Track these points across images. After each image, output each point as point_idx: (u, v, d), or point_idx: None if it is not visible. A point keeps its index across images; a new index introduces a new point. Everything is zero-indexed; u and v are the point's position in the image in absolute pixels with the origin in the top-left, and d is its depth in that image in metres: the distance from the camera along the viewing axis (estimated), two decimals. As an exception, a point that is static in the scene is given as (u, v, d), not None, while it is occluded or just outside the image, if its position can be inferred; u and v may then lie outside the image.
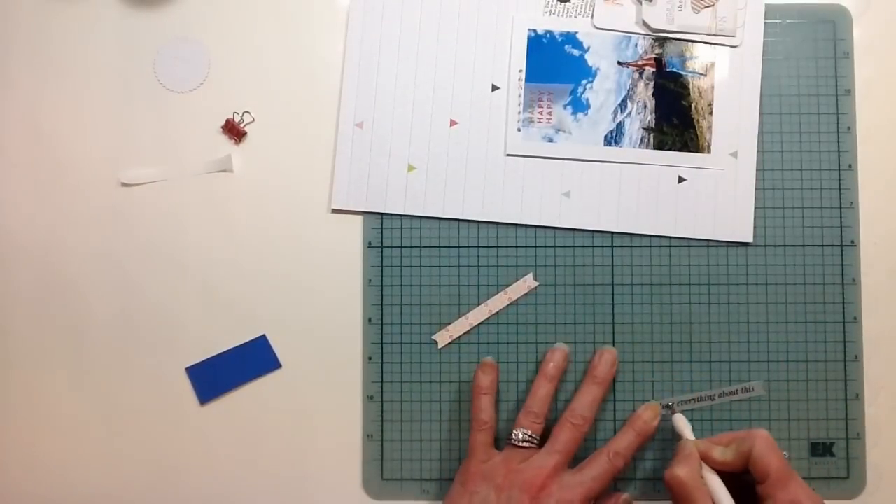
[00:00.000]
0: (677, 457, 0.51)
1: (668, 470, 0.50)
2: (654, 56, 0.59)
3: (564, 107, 0.59)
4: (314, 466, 0.58)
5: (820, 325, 0.57)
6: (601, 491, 0.52)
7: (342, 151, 0.59)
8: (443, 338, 0.58)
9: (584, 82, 0.59)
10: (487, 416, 0.54)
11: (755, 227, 0.58)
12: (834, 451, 0.57)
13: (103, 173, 0.60)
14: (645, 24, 0.58)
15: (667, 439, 0.57)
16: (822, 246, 0.58)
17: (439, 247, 0.59)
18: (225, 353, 0.59)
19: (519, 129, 0.59)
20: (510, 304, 0.58)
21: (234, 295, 0.59)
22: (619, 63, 0.59)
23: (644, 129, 0.58)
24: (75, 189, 0.60)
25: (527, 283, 0.58)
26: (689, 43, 0.59)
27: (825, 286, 0.58)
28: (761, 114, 0.58)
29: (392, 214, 0.59)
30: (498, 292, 0.58)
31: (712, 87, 0.58)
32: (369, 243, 0.59)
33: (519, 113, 0.59)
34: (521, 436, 0.53)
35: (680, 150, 0.58)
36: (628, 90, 0.59)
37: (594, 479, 0.51)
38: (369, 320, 0.58)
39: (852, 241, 0.58)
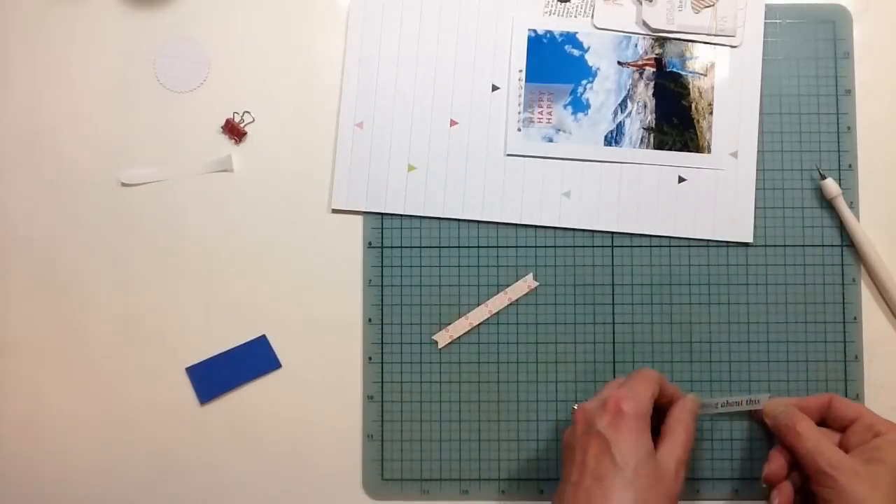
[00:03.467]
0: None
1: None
2: (654, 56, 0.59)
3: (564, 107, 0.59)
4: (314, 466, 0.58)
5: (820, 325, 0.57)
6: None
7: (342, 151, 0.59)
8: (443, 338, 0.58)
9: (584, 82, 0.59)
10: None
11: (755, 227, 0.58)
12: (834, 451, 0.57)
13: (103, 173, 0.60)
14: (645, 24, 0.58)
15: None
16: (822, 246, 0.58)
17: (439, 247, 0.59)
18: (225, 353, 0.58)
19: (519, 129, 0.59)
20: (510, 304, 0.58)
21: (234, 295, 0.59)
22: (619, 63, 0.59)
23: (644, 129, 0.58)
24: (75, 189, 0.60)
25: (527, 283, 0.58)
26: (689, 43, 0.59)
27: (825, 286, 0.58)
28: (761, 114, 0.58)
29: (392, 214, 0.59)
30: (498, 292, 0.58)
31: (712, 87, 0.58)
32: (369, 243, 0.59)
33: (519, 113, 0.59)
34: None
35: (680, 150, 0.58)
36: (628, 90, 0.59)
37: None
38: (369, 320, 0.58)
39: (852, 241, 0.58)
